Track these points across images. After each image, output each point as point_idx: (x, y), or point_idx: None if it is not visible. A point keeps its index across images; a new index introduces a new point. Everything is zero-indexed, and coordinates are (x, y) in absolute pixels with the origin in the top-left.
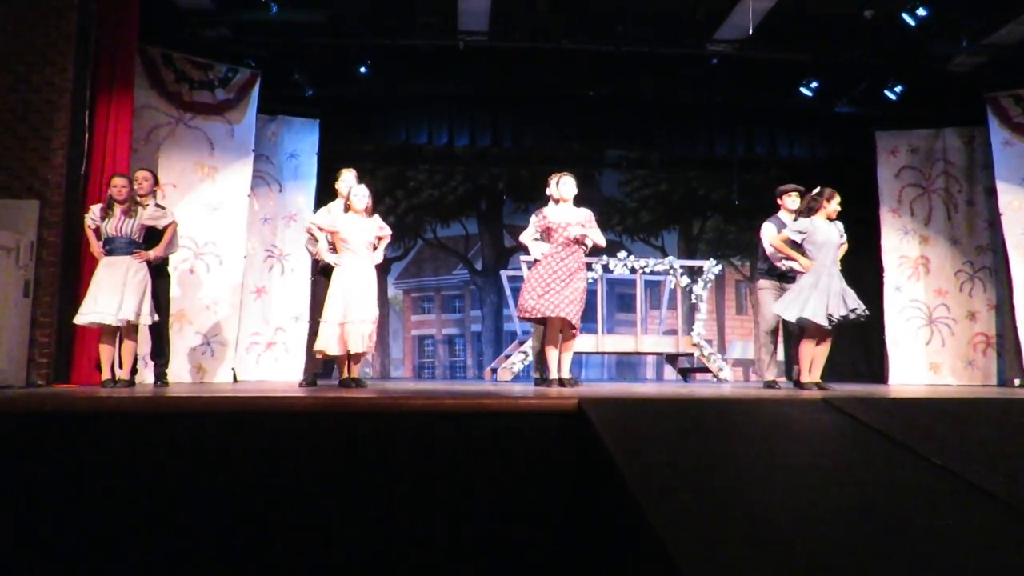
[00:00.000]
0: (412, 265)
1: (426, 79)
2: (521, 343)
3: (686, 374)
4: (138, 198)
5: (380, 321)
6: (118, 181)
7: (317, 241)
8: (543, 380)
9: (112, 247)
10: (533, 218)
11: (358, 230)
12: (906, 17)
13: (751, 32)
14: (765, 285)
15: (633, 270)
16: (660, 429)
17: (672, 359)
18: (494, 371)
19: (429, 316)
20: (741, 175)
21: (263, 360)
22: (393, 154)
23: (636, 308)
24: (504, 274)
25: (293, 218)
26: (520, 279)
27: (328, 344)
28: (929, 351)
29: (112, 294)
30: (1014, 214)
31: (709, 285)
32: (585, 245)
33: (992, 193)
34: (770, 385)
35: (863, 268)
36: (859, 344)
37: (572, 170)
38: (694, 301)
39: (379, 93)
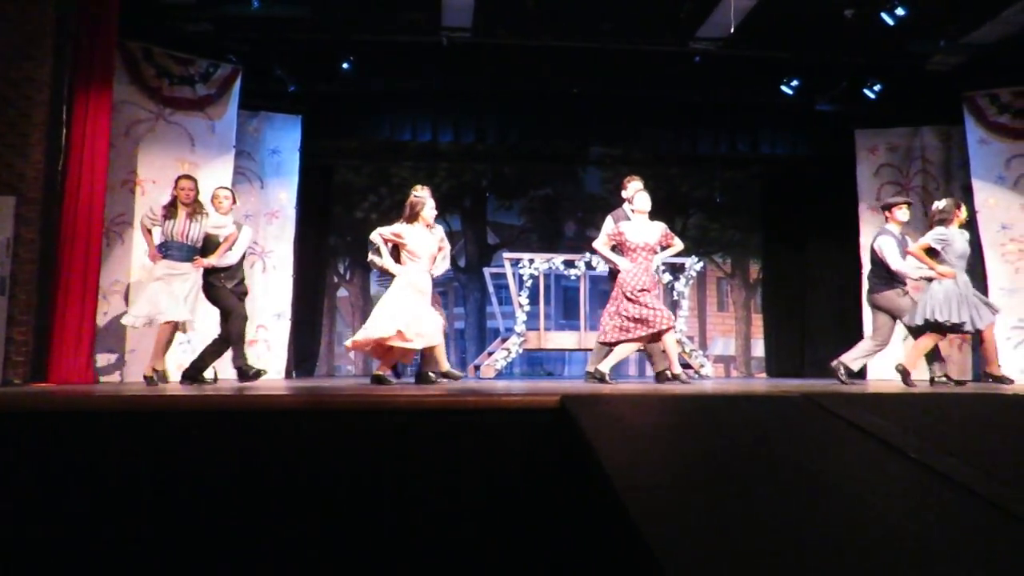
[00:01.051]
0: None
1: (410, 75)
2: (504, 340)
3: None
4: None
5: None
6: (187, 184)
7: (380, 254)
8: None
9: (171, 251)
10: (609, 226)
11: (424, 242)
12: (885, 16)
13: (733, 30)
14: (892, 294)
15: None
16: (643, 426)
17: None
18: (477, 368)
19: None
20: (723, 173)
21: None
22: (376, 151)
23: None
24: (488, 271)
25: (275, 215)
26: (503, 276)
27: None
28: (907, 347)
29: (172, 298)
30: (989, 212)
31: (691, 282)
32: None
33: (969, 191)
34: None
35: (843, 264)
36: (839, 340)
37: (555, 167)
38: (676, 298)
39: (362, 89)
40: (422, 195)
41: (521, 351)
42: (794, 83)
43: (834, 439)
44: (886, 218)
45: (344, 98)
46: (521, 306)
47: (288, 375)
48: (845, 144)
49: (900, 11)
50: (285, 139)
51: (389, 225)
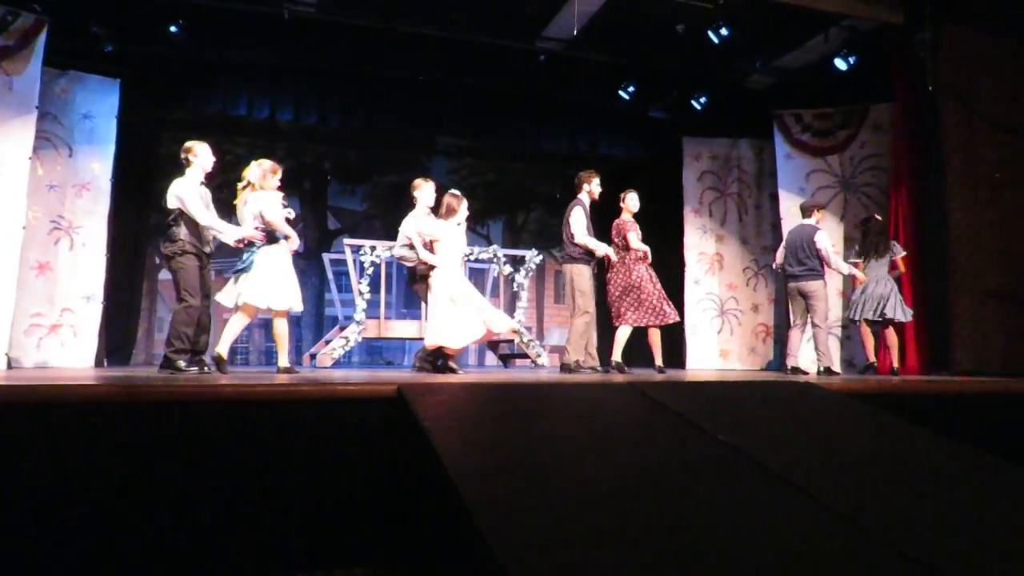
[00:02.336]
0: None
1: (247, 46)
2: (343, 328)
3: (506, 360)
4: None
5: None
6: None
7: (413, 249)
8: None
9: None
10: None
11: (454, 236)
12: (712, 35)
13: (576, 33)
14: (821, 284)
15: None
16: (479, 413)
17: (493, 345)
18: (313, 357)
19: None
20: (565, 170)
21: (46, 344)
22: (208, 124)
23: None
24: (327, 257)
25: (86, 187)
26: (343, 263)
27: (471, 333)
28: (720, 339)
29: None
30: (791, 219)
31: (530, 274)
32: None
33: (775, 200)
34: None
35: (668, 263)
36: (662, 332)
37: (401, 154)
38: (516, 289)
39: (194, 57)
40: (459, 193)
41: (360, 340)
42: (631, 89)
43: (656, 424)
44: (815, 218)
45: (172, 64)
46: (361, 294)
47: (99, 363)
48: (674, 150)
49: (724, 31)
50: (100, 103)
51: (415, 221)
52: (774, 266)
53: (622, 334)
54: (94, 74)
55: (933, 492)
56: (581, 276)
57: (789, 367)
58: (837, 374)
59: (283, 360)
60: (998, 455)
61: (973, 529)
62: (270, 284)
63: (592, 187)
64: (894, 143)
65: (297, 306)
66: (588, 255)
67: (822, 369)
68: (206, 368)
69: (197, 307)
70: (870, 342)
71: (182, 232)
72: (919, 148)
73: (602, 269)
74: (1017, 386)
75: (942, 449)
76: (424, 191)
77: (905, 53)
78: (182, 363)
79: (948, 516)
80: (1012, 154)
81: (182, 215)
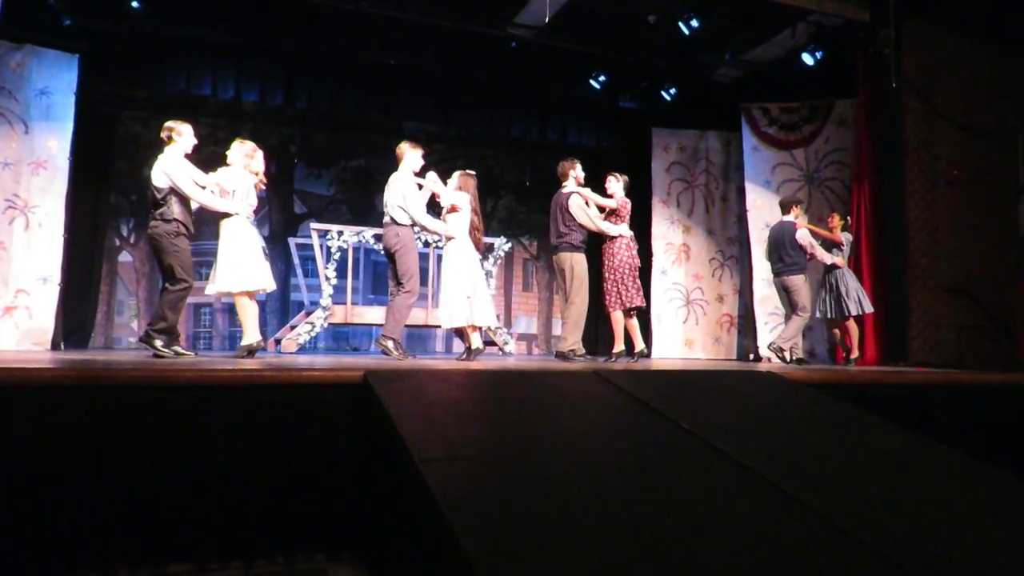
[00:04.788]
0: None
1: (212, 24)
2: (308, 313)
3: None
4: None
5: (152, 288)
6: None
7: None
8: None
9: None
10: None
11: (466, 211)
12: (682, 26)
13: (548, 20)
14: (802, 279)
15: (427, 244)
16: (445, 400)
17: (460, 333)
18: (278, 342)
19: (207, 282)
20: (533, 158)
21: (0, 327)
22: (170, 103)
23: (428, 282)
24: (293, 242)
25: (42, 165)
26: (309, 247)
27: (465, 316)
28: (686, 328)
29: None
30: (757, 211)
31: (499, 262)
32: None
33: (742, 192)
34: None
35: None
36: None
37: (369, 138)
38: (484, 277)
39: (156, 33)
40: (473, 172)
41: (326, 325)
42: (601, 78)
43: (620, 412)
44: (793, 214)
45: (133, 40)
46: (328, 279)
47: (55, 346)
48: (643, 140)
49: (695, 23)
50: (57, 79)
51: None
52: (765, 259)
53: (622, 319)
54: (51, 49)
55: (885, 478)
56: (581, 264)
57: (775, 346)
58: (805, 361)
59: (247, 338)
60: (948, 442)
61: (920, 514)
62: (228, 266)
63: (578, 173)
64: (857, 138)
65: (258, 285)
66: (584, 243)
67: (793, 358)
68: (182, 352)
69: (190, 289)
70: (852, 334)
71: (175, 210)
72: (881, 144)
73: (595, 255)
74: (967, 377)
75: (895, 437)
76: (411, 155)
77: (869, 50)
78: (159, 343)
79: (897, 501)
80: (968, 153)
81: (173, 193)
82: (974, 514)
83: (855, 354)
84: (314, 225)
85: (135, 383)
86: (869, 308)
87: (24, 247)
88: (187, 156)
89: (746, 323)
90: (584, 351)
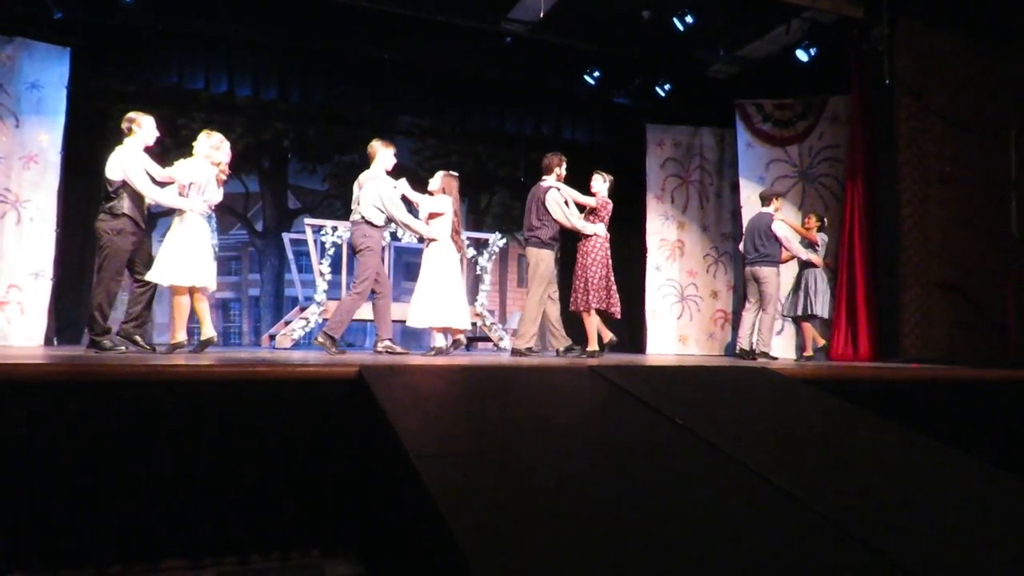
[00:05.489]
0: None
1: (205, 17)
2: (303, 309)
3: (469, 343)
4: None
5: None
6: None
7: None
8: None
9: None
10: (558, 200)
11: (449, 213)
12: (677, 22)
13: (542, 16)
14: (775, 271)
15: (421, 239)
16: (439, 396)
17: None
18: (272, 338)
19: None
20: (528, 153)
21: None
22: (162, 97)
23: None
24: (287, 236)
25: (33, 159)
26: (304, 243)
27: (439, 318)
28: (680, 324)
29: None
30: (751, 207)
31: (493, 258)
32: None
33: (736, 188)
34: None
35: (630, 249)
36: (623, 317)
37: (362, 133)
38: (479, 272)
39: (148, 26)
40: (456, 174)
41: (321, 321)
42: (596, 74)
43: (614, 407)
44: (773, 206)
45: (125, 34)
46: (322, 274)
47: (48, 342)
48: (637, 136)
49: (689, 19)
50: (48, 73)
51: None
52: (741, 248)
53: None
54: (42, 42)
55: (877, 473)
56: (547, 262)
57: (738, 349)
58: (774, 359)
59: (175, 336)
60: (940, 438)
61: (912, 509)
62: (169, 258)
63: (561, 170)
64: (850, 135)
65: (196, 281)
66: (554, 240)
67: (758, 352)
68: (123, 348)
69: (118, 287)
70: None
71: (124, 205)
72: (874, 141)
73: (569, 252)
74: (958, 373)
75: (887, 432)
76: (384, 154)
77: (863, 47)
78: (108, 343)
79: (889, 496)
80: (960, 150)
81: (125, 187)
82: (966, 508)
83: (808, 352)
84: (308, 220)
85: (129, 379)
86: (827, 314)
87: (16, 242)
88: (147, 149)
89: (739, 319)
90: (568, 345)
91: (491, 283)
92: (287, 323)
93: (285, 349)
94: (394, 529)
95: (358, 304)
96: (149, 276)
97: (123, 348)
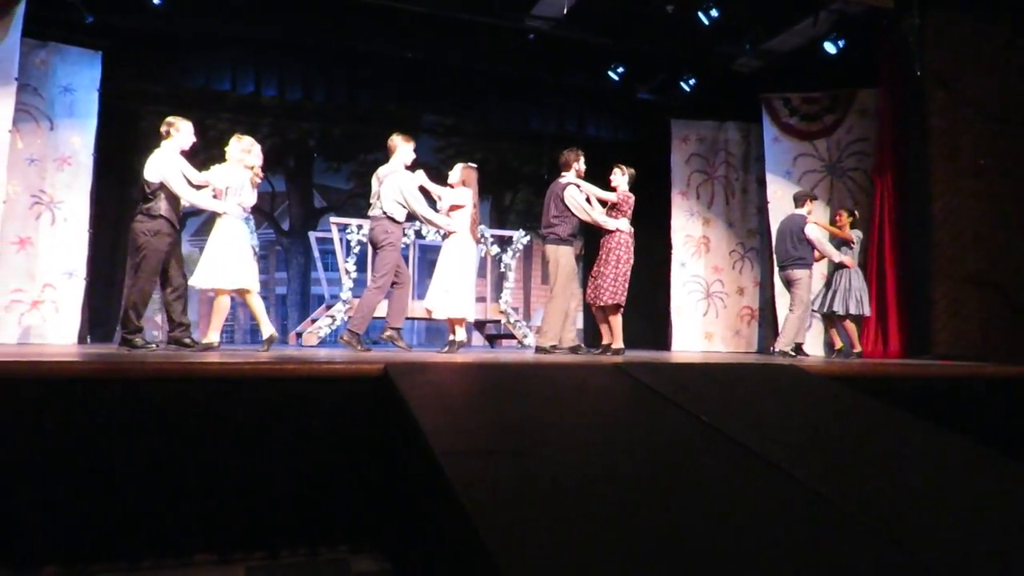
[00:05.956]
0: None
1: (231, 19)
2: (329, 307)
3: (492, 340)
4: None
5: (180, 281)
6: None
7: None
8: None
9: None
10: (580, 196)
11: (469, 207)
12: (701, 16)
13: (565, 12)
14: (808, 273)
15: (445, 237)
16: (464, 393)
17: (480, 326)
18: (299, 336)
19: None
20: (551, 150)
21: (27, 321)
22: (190, 99)
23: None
24: (313, 235)
25: (67, 161)
26: (329, 241)
27: (458, 310)
28: (705, 321)
29: None
30: (777, 203)
31: (517, 255)
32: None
33: (762, 183)
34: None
35: (655, 245)
36: (648, 316)
37: (386, 132)
38: (503, 270)
39: (176, 29)
40: (475, 165)
41: (346, 319)
42: (619, 70)
43: (639, 405)
44: (806, 208)
45: (154, 36)
46: (348, 272)
47: (82, 340)
48: (661, 132)
49: (714, 13)
50: (81, 76)
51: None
52: (774, 251)
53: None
54: (74, 46)
55: (908, 472)
56: (567, 258)
57: (777, 349)
58: (793, 356)
59: (211, 335)
60: (972, 436)
61: (942, 507)
62: (211, 262)
63: (580, 166)
64: (880, 128)
65: (241, 284)
66: (572, 236)
67: (780, 350)
68: (153, 346)
69: (153, 288)
70: (852, 330)
71: (161, 207)
72: (904, 134)
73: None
74: (992, 370)
75: (917, 431)
76: (404, 149)
77: (893, 38)
78: (139, 341)
79: (919, 495)
80: (995, 142)
81: (162, 188)
82: (997, 508)
83: (856, 348)
84: (333, 219)
85: (161, 376)
86: (867, 311)
87: (50, 242)
88: (184, 153)
89: (766, 316)
90: (576, 343)
91: (515, 280)
92: (313, 321)
93: (311, 347)
94: (420, 525)
95: (378, 299)
96: (193, 281)
97: (153, 346)
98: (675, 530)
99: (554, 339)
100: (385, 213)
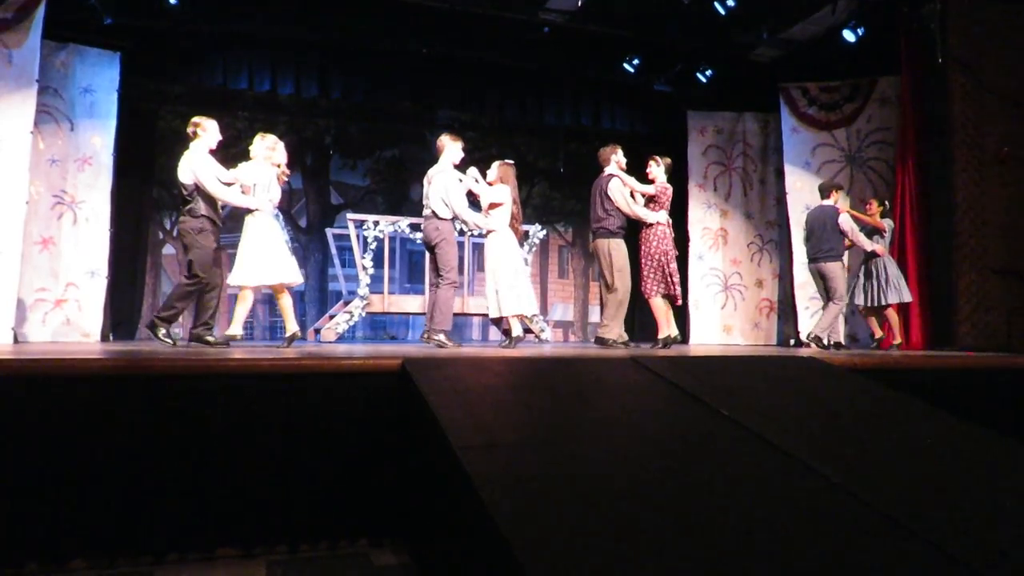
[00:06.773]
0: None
1: (247, 18)
2: (346, 303)
3: (508, 335)
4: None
5: (217, 281)
6: None
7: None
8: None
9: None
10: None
11: (508, 204)
12: (717, 6)
13: (580, 4)
14: (839, 265)
15: (461, 232)
16: (482, 387)
17: (497, 320)
18: (317, 332)
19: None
20: (567, 144)
21: (51, 320)
22: (208, 98)
23: (463, 270)
24: (330, 232)
25: (87, 161)
26: (346, 238)
27: (511, 306)
28: (724, 314)
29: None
30: (797, 194)
31: (534, 249)
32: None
33: (781, 174)
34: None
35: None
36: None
37: (402, 128)
38: None
39: (193, 29)
40: (512, 162)
41: (364, 314)
42: (635, 62)
43: (657, 398)
44: (833, 198)
45: (172, 37)
46: (365, 268)
47: (104, 338)
48: (677, 124)
49: (730, 2)
50: (100, 77)
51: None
52: (804, 245)
53: (662, 305)
54: (94, 47)
55: (929, 464)
56: (619, 251)
57: (812, 336)
58: (845, 347)
59: (233, 328)
60: (998, 428)
61: (965, 500)
62: (247, 260)
63: (619, 158)
64: (901, 117)
65: (281, 279)
66: (622, 228)
67: (815, 336)
68: (177, 343)
69: (201, 285)
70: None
71: (201, 207)
72: (926, 122)
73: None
74: (1017, 361)
75: (941, 423)
76: (452, 148)
77: (913, 25)
78: (162, 332)
79: (941, 487)
80: (1019, 129)
81: (198, 189)
82: (1020, 500)
83: (897, 340)
84: (350, 215)
85: (184, 373)
86: (908, 297)
87: (72, 241)
88: (212, 152)
89: (786, 308)
90: (626, 338)
91: (531, 275)
92: (331, 317)
93: (330, 343)
94: (440, 519)
95: (451, 294)
96: (233, 279)
97: (171, 342)
98: (699, 525)
99: (615, 334)
100: (434, 212)
